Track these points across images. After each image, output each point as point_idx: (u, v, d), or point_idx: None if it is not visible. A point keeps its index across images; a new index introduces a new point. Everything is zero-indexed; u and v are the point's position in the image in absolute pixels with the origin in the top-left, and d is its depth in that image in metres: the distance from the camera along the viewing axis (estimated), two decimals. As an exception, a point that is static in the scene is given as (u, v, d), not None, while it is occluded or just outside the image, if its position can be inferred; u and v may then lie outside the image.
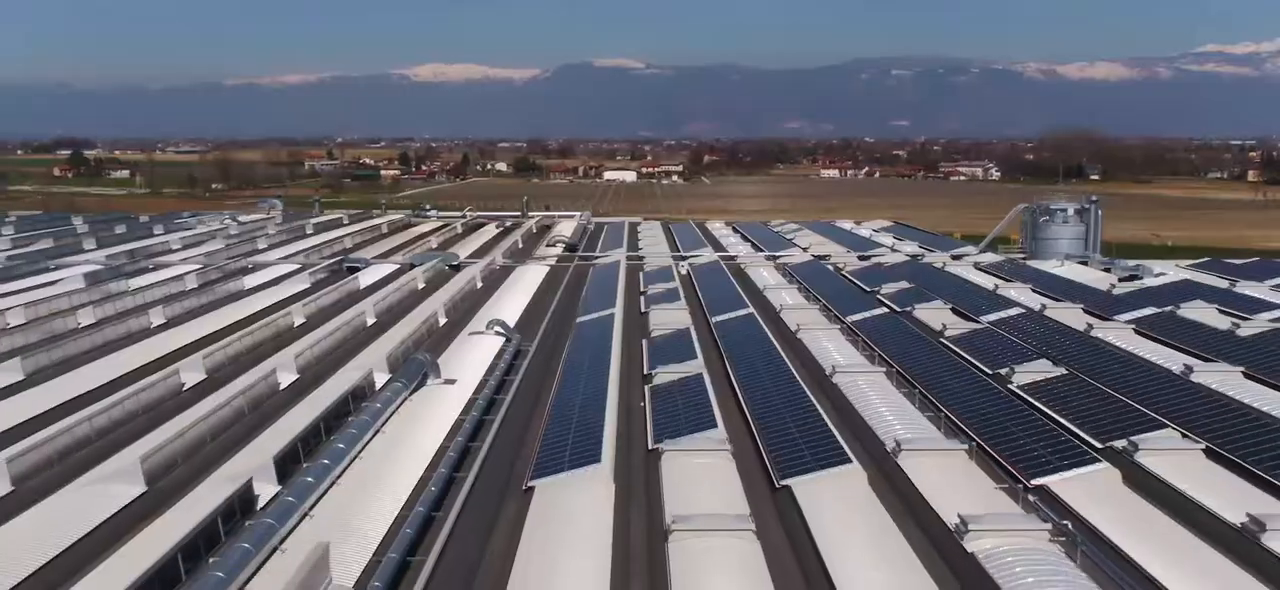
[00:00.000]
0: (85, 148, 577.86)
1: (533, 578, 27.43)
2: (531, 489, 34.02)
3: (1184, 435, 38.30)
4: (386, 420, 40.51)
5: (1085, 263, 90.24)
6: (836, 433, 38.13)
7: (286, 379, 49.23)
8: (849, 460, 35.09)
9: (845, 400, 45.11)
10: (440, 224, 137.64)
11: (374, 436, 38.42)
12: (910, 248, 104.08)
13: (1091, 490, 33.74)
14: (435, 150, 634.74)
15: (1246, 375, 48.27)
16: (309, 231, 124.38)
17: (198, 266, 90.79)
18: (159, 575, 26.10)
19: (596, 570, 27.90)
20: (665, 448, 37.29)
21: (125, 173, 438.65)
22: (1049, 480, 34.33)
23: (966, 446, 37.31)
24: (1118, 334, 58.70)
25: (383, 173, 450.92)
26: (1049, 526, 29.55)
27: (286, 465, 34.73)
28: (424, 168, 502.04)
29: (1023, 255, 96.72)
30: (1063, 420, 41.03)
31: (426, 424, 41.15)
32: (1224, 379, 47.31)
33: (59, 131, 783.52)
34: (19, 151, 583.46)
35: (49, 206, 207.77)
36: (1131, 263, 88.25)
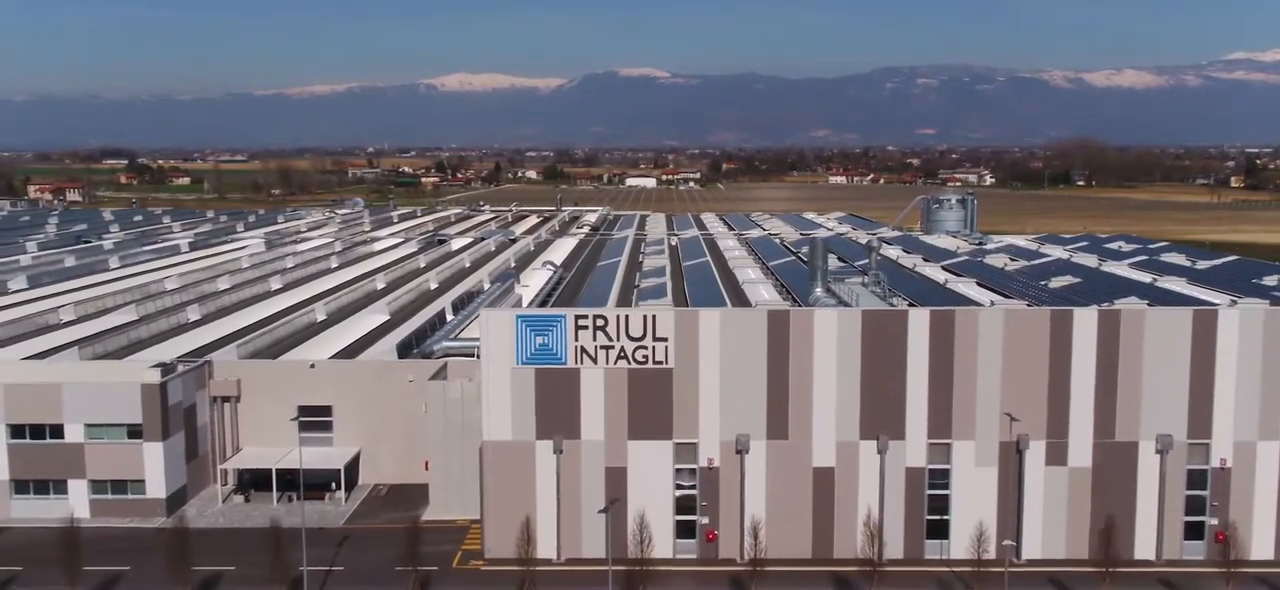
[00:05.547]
0: (128, 157, 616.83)
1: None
2: (573, 318, 71.49)
3: (892, 292, 75.24)
4: (496, 297, 78.09)
5: (955, 237, 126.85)
6: (727, 298, 75.43)
7: (433, 286, 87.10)
8: (726, 305, 72.45)
9: (743, 292, 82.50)
10: (495, 214, 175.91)
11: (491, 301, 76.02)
12: (844, 229, 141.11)
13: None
14: (466, 159, 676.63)
15: (979, 284, 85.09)
16: (395, 220, 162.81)
17: (329, 239, 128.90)
18: (414, 335, 63.67)
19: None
20: (639, 302, 74.83)
21: (186, 180, 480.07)
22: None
23: (788, 301, 74.58)
24: (929, 270, 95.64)
25: (423, 180, 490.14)
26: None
27: (457, 307, 72.45)
28: (459, 175, 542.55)
29: (919, 232, 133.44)
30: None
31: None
32: (963, 283, 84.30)
33: (93, 142, 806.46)
34: (66, 160, 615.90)
35: (151, 205, 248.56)
36: (980, 236, 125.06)
